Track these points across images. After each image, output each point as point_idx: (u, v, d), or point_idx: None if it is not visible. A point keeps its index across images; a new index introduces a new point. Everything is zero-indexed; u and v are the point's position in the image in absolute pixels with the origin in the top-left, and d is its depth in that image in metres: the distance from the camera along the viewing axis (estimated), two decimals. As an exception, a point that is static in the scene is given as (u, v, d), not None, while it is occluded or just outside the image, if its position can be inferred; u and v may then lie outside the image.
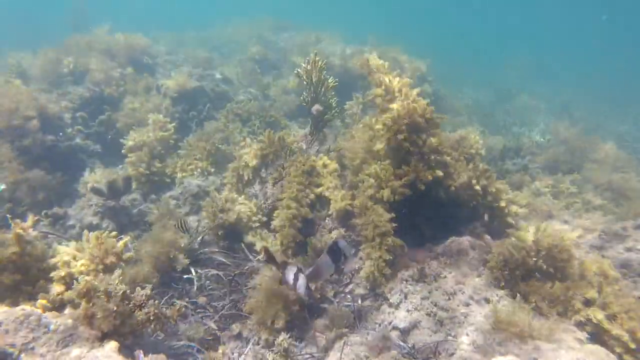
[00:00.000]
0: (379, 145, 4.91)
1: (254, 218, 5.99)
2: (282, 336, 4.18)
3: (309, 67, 6.43)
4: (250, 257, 5.60)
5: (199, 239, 5.80)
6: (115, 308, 2.84)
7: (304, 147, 6.99)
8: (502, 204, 5.21)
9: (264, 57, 14.13)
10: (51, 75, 9.88)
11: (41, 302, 3.11)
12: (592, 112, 18.48)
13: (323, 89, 6.45)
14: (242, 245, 5.73)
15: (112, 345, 2.69)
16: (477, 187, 5.12)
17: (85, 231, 3.69)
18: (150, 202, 6.67)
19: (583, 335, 3.48)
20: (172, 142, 7.91)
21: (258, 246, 5.76)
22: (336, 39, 15.99)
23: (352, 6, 44.91)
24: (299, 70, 6.59)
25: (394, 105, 4.61)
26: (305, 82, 6.28)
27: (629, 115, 18.86)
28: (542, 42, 34.22)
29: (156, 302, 3.24)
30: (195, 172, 7.68)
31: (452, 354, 3.49)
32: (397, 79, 4.76)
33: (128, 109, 9.03)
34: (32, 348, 2.50)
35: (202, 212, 6.33)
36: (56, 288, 3.42)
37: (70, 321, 2.79)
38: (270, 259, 3.72)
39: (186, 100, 9.62)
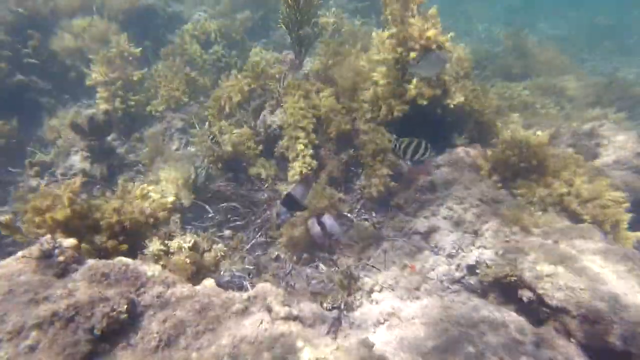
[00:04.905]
0: (388, 56, 4.99)
1: (252, 146, 5.97)
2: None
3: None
4: (261, 186, 5.72)
5: (203, 174, 5.72)
6: (199, 257, 2.94)
7: (288, 70, 6.81)
8: (487, 118, 5.79)
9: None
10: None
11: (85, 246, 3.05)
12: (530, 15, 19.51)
13: (310, 10, 6.13)
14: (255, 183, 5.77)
15: (210, 281, 2.86)
16: (467, 108, 5.55)
17: (121, 181, 3.54)
18: (135, 141, 6.25)
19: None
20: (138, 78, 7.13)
21: (264, 175, 5.87)
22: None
23: None
24: None
25: (413, 21, 4.64)
26: (289, 3, 5.90)
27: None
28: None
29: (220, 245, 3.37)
30: (170, 103, 7.19)
31: (476, 246, 4.14)
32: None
33: (68, 36, 7.76)
34: (144, 293, 2.60)
35: (195, 146, 6.16)
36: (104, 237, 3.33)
37: (158, 267, 2.86)
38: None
39: (136, 23, 8.45)
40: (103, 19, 7.99)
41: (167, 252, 2.87)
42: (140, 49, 7.24)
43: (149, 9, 8.78)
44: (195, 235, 3.17)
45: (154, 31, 8.81)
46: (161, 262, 2.87)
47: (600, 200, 4.37)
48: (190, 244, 3.14)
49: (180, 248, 3.03)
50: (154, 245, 2.83)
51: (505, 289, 3.43)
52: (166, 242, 2.97)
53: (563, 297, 2.86)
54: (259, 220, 5.13)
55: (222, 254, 2.98)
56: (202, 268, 2.86)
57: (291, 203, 3.43)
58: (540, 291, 2.99)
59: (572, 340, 2.79)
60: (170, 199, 3.63)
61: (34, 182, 4.84)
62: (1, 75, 6.83)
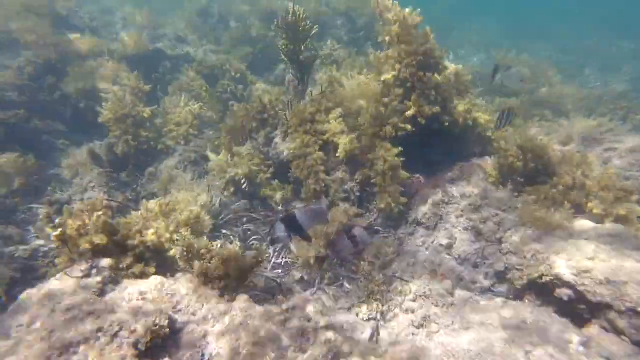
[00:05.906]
0: (387, 75, 5.14)
1: (263, 169, 6.05)
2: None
3: (290, 18, 6.32)
4: (276, 208, 5.75)
5: (218, 199, 5.75)
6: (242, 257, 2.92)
7: (294, 97, 7.03)
8: (489, 133, 5.89)
9: (207, 11, 13.07)
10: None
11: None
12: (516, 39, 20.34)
13: (307, 38, 6.43)
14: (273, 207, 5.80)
15: (244, 297, 2.81)
16: (469, 122, 5.67)
17: (144, 201, 3.55)
18: (148, 175, 6.31)
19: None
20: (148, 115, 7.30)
21: (277, 197, 5.90)
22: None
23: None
24: (277, 21, 6.48)
25: (410, 39, 4.85)
26: (284, 33, 6.20)
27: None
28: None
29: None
30: (179, 138, 7.34)
31: (502, 253, 4.10)
32: (413, 15, 4.97)
33: (79, 78, 8.02)
34: (180, 310, 2.55)
35: (210, 175, 6.23)
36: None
37: (191, 284, 2.82)
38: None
39: (145, 63, 8.78)
40: (113, 60, 8.30)
41: (206, 253, 2.84)
42: (150, 85, 7.47)
43: (157, 51, 9.15)
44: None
45: (162, 69, 9.13)
46: (202, 261, 2.83)
47: (610, 193, 4.33)
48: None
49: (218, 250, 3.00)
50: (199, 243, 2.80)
51: (540, 290, 3.37)
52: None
53: (606, 292, 2.81)
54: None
55: (262, 259, 2.95)
56: (245, 271, 2.82)
57: (293, 225, 3.12)
58: (581, 288, 2.94)
59: (623, 337, 2.71)
60: (196, 209, 3.64)
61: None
62: (20, 121, 7.00)
